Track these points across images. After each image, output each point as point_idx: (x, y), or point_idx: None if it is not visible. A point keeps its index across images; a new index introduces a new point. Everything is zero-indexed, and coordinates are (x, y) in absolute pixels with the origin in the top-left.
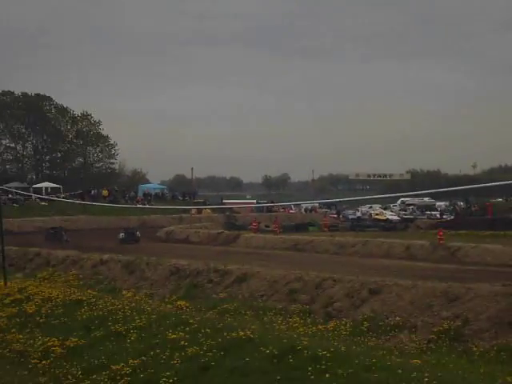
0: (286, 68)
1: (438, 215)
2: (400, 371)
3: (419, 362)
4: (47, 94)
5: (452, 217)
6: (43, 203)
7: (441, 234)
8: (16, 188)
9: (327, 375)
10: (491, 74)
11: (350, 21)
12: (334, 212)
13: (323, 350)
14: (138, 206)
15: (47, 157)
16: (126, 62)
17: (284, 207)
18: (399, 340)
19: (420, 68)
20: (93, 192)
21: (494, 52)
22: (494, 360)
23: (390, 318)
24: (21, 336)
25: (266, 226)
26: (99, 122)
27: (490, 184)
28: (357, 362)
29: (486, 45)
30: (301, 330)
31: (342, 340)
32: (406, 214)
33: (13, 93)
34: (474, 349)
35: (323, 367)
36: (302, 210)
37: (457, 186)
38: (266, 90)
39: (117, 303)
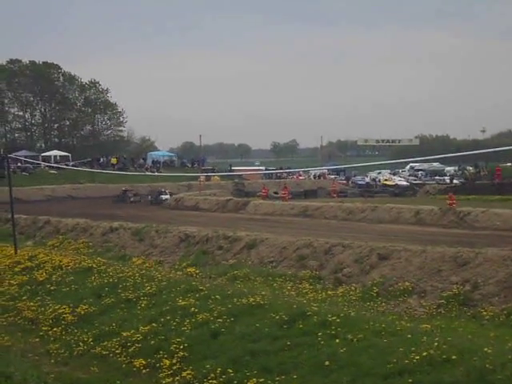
0: (289, 34)
1: (447, 180)
2: (410, 336)
3: (429, 326)
4: (55, 62)
5: (462, 181)
6: (52, 171)
7: (453, 199)
8: (25, 156)
9: (337, 340)
10: (502, 37)
11: None
12: (343, 178)
13: (333, 315)
14: (147, 173)
15: (56, 125)
16: (130, 27)
17: (293, 173)
18: (409, 305)
19: (427, 32)
20: (102, 160)
21: (506, 17)
22: (503, 324)
23: (399, 283)
24: (32, 303)
25: (275, 193)
26: (107, 90)
27: (498, 149)
28: (366, 327)
29: (496, 9)
30: (310, 295)
31: (352, 305)
32: (415, 180)
33: (20, 61)
34: (484, 313)
35: (333, 332)
36: (311, 176)
37: (466, 151)
38: (273, 55)
39: (127, 270)
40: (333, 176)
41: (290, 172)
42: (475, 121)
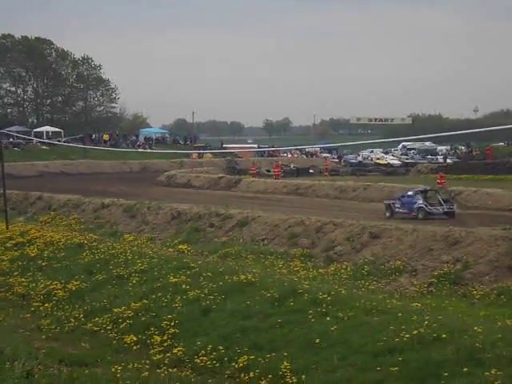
0: (285, 10)
1: (441, 159)
2: (400, 314)
3: (419, 305)
4: (47, 38)
5: (456, 160)
6: (44, 147)
7: (442, 178)
8: (17, 132)
9: (328, 318)
10: (495, 18)
11: None
12: (336, 156)
13: (324, 293)
14: (139, 150)
15: (48, 100)
16: (123, 2)
17: (286, 152)
18: (399, 284)
19: (421, 11)
20: (94, 136)
21: None
22: (493, 303)
23: (390, 262)
24: (23, 279)
25: (267, 171)
26: (100, 66)
27: (491, 128)
28: (357, 305)
29: None
30: (302, 273)
31: (343, 283)
32: (407, 159)
33: (13, 36)
34: (474, 292)
35: (324, 310)
36: (303, 154)
37: (458, 131)
38: (265, 34)
39: (118, 247)
40: (325, 154)
41: (283, 150)
42: (468, 100)
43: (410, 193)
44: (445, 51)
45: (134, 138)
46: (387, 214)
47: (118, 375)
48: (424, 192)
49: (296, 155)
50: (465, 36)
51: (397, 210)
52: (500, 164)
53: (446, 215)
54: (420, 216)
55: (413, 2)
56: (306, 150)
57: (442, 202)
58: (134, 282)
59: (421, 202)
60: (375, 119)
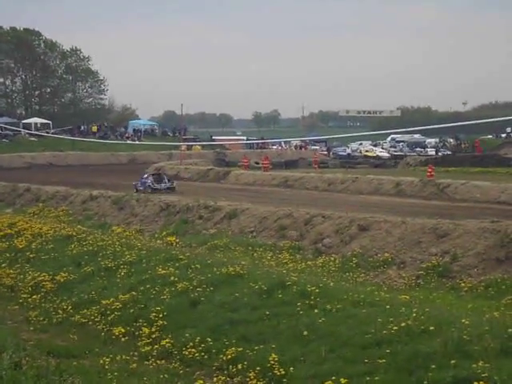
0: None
1: (432, 152)
2: (388, 307)
3: (407, 297)
4: (36, 29)
5: (447, 153)
6: (33, 139)
7: (431, 170)
8: (5, 123)
9: (316, 310)
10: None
11: None
12: (324, 149)
13: (312, 285)
14: (128, 142)
15: (36, 92)
16: None
17: (274, 144)
18: (388, 276)
19: (411, 4)
20: (82, 128)
21: None
22: (481, 295)
23: (378, 254)
24: (11, 271)
25: (256, 163)
26: (88, 57)
27: (479, 121)
28: (345, 297)
29: None
30: (290, 265)
31: (331, 276)
32: (395, 151)
33: (1, 27)
34: (462, 285)
35: (312, 303)
36: (292, 147)
37: (447, 123)
38: (254, 27)
39: (107, 239)
40: (314, 147)
41: (271, 142)
42: (457, 93)
43: (145, 175)
44: (435, 44)
45: (123, 129)
46: (134, 191)
47: (106, 367)
48: (154, 175)
49: (283, 147)
50: (453, 28)
51: (139, 187)
52: (488, 157)
53: (168, 189)
54: (149, 191)
55: None
56: (296, 142)
57: (167, 181)
58: (123, 273)
59: (149, 181)
60: (364, 111)
